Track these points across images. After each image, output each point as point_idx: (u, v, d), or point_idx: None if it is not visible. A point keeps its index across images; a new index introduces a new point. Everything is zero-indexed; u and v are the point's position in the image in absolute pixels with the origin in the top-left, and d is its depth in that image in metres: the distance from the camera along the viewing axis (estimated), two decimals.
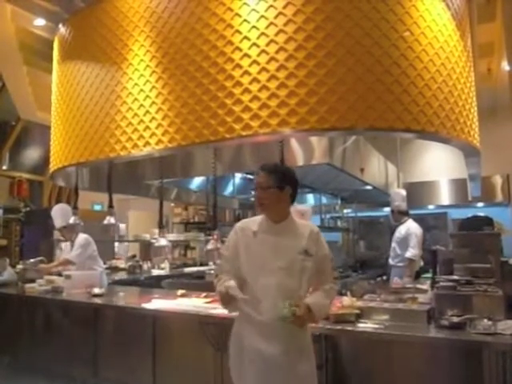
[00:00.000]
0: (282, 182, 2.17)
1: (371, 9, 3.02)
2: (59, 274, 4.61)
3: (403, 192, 5.55)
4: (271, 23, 3.10)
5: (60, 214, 4.93)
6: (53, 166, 4.58)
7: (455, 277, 2.82)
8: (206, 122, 3.31)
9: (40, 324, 4.32)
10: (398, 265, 5.21)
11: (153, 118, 3.60)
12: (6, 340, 4.46)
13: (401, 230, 5.31)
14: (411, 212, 5.56)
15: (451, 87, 3.27)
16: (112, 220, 4.59)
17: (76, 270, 4.66)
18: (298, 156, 4.12)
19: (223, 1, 3.29)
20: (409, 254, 5.09)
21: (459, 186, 7.39)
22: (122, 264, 7.20)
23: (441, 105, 3.17)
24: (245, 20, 3.19)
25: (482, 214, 3.69)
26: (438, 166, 7.54)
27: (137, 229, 8.46)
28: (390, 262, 5.38)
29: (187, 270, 7.38)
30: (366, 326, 2.63)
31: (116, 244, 7.88)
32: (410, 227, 5.26)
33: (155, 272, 7.06)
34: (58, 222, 4.92)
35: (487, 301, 2.56)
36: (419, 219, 5.64)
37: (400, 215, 5.38)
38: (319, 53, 2.98)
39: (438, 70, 3.19)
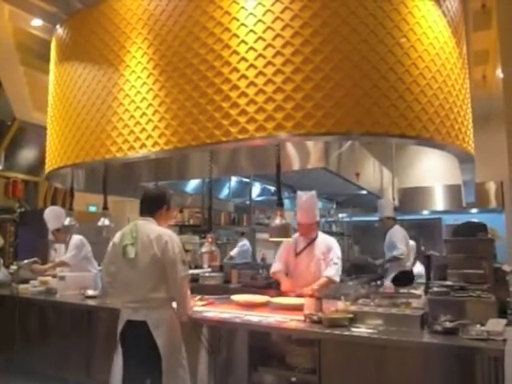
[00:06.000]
0: None
1: (368, 15, 3.04)
2: (54, 276, 4.59)
3: (390, 202, 5.86)
4: (268, 27, 3.11)
5: (52, 216, 4.92)
6: (48, 166, 4.56)
7: (449, 282, 2.83)
8: (202, 125, 3.31)
9: (33, 325, 4.29)
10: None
11: (149, 120, 3.60)
12: None
13: (387, 236, 5.54)
14: (406, 217, 5.67)
15: (446, 94, 3.29)
16: (106, 222, 4.57)
17: (70, 272, 4.65)
18: (293, 160, 4.13)
19: (221, 4, 3.30)
20: (396, 252, 5.25)
21: (453, 191, 7.43)
22: None
23: (436, 111, 3.19)
24: (242, 24, 3.20)
25: (475, 220, 3.70)
26: (433, 171, 7.58)
27: None
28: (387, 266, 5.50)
29: None
30: (359, 330, 2.63)
31: None
32: (394, 231, 5.50)
33: None
34: (50, 224, 4.90)
35: (480, 306, 2.58)
36: (414, 224, 5.72)
37: (388, 222, 5.60)
38: (316, 57, 3.00)
39: (433, 76, 3.21)
